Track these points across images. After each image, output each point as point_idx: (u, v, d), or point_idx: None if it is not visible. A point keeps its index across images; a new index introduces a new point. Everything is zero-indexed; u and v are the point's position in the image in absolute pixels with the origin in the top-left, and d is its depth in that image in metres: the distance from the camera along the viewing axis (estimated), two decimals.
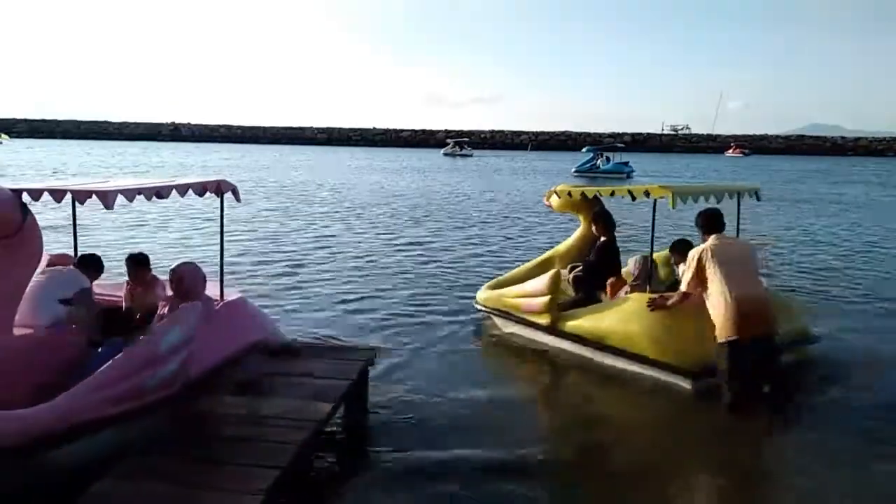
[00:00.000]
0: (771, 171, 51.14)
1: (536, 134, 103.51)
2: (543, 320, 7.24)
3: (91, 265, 5.72)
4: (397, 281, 10.82)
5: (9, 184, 4.79)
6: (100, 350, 5.01)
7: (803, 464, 5.08)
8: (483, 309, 8.19)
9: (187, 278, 5.42)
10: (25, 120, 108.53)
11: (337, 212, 20.39)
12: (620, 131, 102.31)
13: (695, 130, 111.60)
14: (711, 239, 5.90)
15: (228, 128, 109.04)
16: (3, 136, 77.38)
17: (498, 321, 8.03)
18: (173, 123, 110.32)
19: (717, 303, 5.64)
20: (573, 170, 43.69)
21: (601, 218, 7.66)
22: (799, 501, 4.66)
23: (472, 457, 4.95)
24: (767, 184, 36.51)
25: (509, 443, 5.18)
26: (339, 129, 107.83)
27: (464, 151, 69.36)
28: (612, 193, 7.46)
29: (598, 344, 6.75)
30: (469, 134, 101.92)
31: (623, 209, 10.37)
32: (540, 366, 7.08)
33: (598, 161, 44.26)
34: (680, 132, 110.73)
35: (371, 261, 12.46)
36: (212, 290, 5.80)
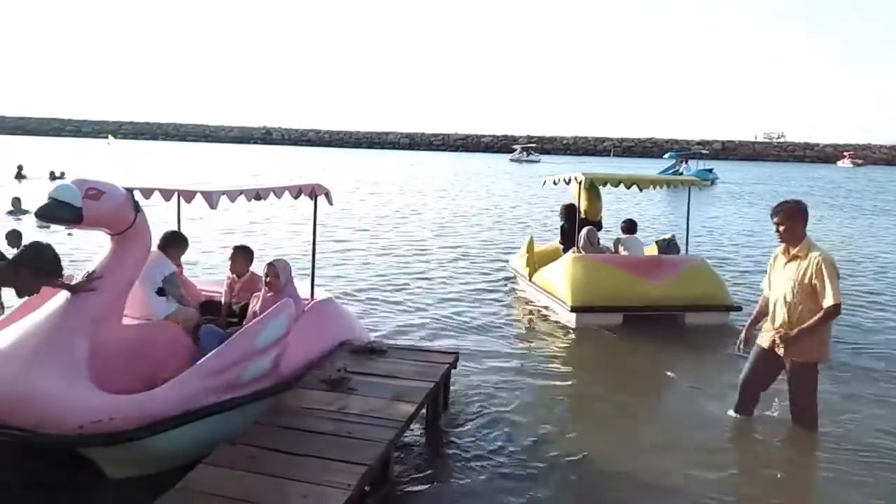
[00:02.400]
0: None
1: (621, 140, 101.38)
2: (526, 273, 9.96)
3: (173, 242, 5.75)
4: (469, 283, 10.99)
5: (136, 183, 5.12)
6: (200, 340, 5.28)
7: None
8: (511, 270, 11.03)
9: (283, 274, 5.62)
10: (131, 122, 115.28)
11: (405, 217, 20.65)
12: (710, 138, 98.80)
13: (790, 139, 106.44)
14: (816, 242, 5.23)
15: (317, 132, 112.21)
16: (110, 137, 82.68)
17: (519, 280, 10.52)
18: (265, 127, 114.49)
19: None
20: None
21: (562, 208, 10.30)
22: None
23: (553, 456, 5.02)
24: None
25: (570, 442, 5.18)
26: (422, 134, 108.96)
27: (530, 157, 68.66)
28: (556, 182, 10.20)
29: (546, 291, 9.21)
30: (552, 140, 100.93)
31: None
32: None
33: (681, 167, 43.26)
34: (775, 140, 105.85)
35: (450, 264, 12.64)
36: (302, 289, 6.00)
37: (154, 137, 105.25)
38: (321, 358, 5.59)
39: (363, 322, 7.26)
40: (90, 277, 4.59)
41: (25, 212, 16.41)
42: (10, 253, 4.48)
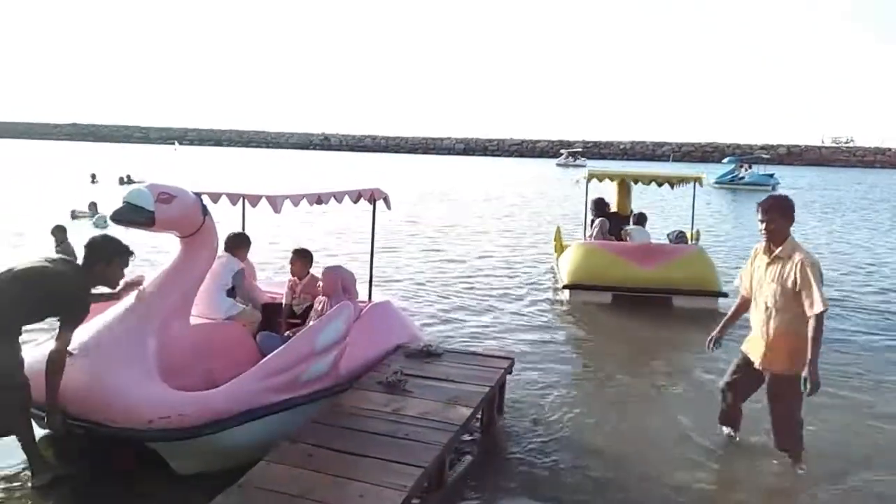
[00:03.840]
0: None
1: (680, 145, 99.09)
2: (555, 259, 11.20)
3: (237, 243, 5.94)
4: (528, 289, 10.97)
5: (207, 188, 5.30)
6: (259, 343, 5.43)
7: None
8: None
9: (334, 280, 5.72)
10: (196, 129, 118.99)
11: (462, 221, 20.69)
12: (775, 143, 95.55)
13: (860, 143, 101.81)
14: (802, 244, 4.77)
15: (373, 138, 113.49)
16: (176, 143, 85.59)
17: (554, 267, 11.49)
18: (324, 134, 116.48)
19: (803, 326, 4.57)
20: (713, 181, 41.95)
21: (592, 202, 11.05)
22: None
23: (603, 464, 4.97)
24: None
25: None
26: (476, 140, 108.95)
27: (577, 162, 67.93)
28: (589, 180, 10.91)
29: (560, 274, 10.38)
30: (608, 145, 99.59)
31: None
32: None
33: (741, 172, 42.07)
34: (843, 145, 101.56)
35: (511, 270, 12.61)
36: (361, 292, 6.10)
37: (218, 144, 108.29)
38: (378, 360, 5.66)
39: (420, 326, 7.34)
40: (130, 284, 4.80)
41: (101, 215, 17.12)
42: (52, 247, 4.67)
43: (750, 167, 43.17)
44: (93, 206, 17.77)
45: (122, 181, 28.64)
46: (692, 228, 11.01)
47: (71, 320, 4.29)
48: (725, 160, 46.74)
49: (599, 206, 10.95)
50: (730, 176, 41.99)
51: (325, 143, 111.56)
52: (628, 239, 10.28)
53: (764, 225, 4.73)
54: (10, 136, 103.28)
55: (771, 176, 41.28)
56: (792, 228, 4.78)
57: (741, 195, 35.81)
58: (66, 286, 4.30)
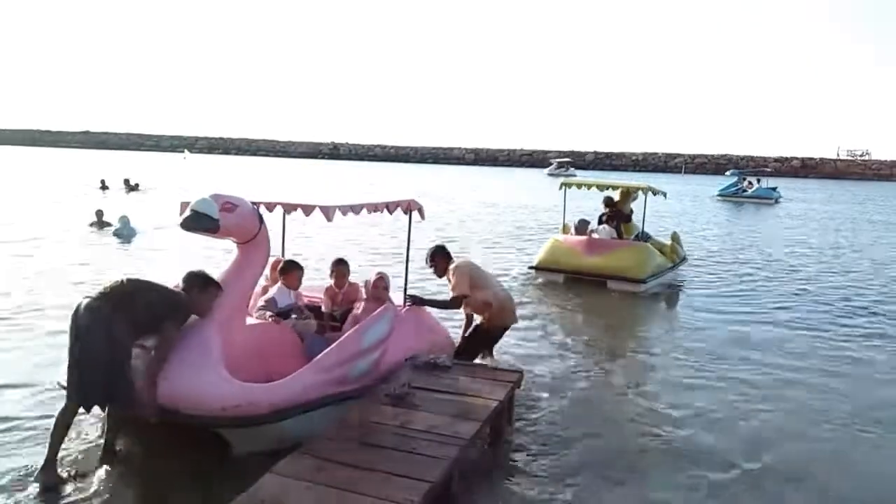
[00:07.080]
0: None
1: (693, 157, 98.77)
2: None
3: (290, 271, 6.21)
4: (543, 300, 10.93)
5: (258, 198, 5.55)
6: (306, 343, 5.79)
7: None
8: None
9: (383, 285, 6.27)
10: (206, 137, 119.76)
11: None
12: (789, 155, 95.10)
13: (875, 156, 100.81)
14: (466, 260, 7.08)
15: (382, 147, 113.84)
16: (185, 151, 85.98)
17: None
18: (333, 143, 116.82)
19: (487, 300, 6.74)
20: (716, 193, 41.98)
21: (603, 200, 13.78)
22: None
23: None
24: None
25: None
26: (487, 150, 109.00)
27: (567, 172, 68.10)
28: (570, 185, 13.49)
29: None
30: (620, 156, 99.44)
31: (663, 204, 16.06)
32: None
33: (744, 185, 42.01)
34: (859, 158, 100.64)
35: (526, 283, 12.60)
36: (396, 299, 6.51)
37: (227, 152, 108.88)
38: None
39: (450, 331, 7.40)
40: None
41: (107, 224, 17.02)
42: None
43: (759, 181, 42.99)
44: (99, 213, 17.59)
45: (126, 184, 30.23)
46: (642, 230, 13.18)
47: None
48: (727, 173, 46.88)
49: (608, 204, 13.53)
50: (733, 189, 42.02)
51: (335, 152, 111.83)
52: (595, 235, 12.57)
53: (433, 269, 6.93)
54: (24, 144, 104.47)
55: (774, 189, 41.41)
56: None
57: (746, 208, 35.70)
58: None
